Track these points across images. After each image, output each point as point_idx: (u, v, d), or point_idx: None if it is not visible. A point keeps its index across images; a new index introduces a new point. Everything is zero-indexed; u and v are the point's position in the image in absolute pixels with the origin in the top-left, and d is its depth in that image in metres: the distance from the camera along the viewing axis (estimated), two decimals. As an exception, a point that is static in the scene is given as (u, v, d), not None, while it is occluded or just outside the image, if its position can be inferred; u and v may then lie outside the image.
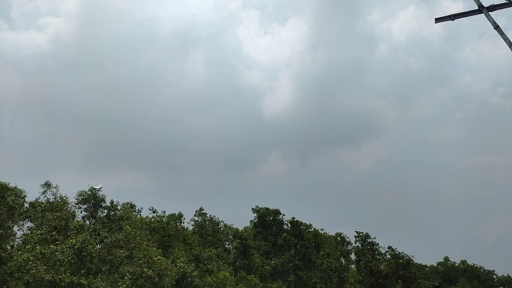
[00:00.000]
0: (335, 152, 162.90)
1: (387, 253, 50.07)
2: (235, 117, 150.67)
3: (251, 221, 50.08)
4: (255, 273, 42.49)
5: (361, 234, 50.09)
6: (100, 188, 33.71)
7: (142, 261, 23.83)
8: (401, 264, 46.56)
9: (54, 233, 24.50)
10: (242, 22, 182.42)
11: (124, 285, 20.24)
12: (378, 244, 50.57)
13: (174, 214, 41.06)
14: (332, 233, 51.05)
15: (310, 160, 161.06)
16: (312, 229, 48.93)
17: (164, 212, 40.62)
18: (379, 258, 49.17)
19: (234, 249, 44.48)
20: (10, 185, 31.62)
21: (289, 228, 47.73)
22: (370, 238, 50.07)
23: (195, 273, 28.13)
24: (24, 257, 20.91)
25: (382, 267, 46.46)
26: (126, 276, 21.56)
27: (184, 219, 42.39)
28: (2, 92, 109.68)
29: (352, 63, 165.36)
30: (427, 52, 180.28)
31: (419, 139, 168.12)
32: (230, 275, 37.49)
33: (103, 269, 25.09)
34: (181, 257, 30.63)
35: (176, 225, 39.20)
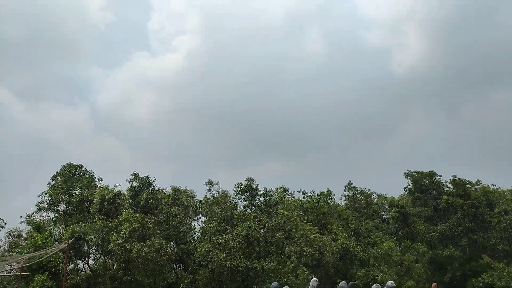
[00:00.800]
0: (491, 94, 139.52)
1: None
2: (366, 84, 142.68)
3: (405, 187, 47.24)
4: (421, 241, 40.06)
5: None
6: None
7: (300, 240, 25.03)
8: None
9: (223, 224, 27.73)
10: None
11: (293, 264, 21.65)
12: None
13: (323, 192, 41.67)
14: (507, 187, 44.28)
15: (460, 110, 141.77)
16: (479, 186, 43.40)
17: (313, 191, 41.65)
18: None
19: (391, 219, 42.73)
20: (182, 188, 37.07)
21: (450, 189, 43.39)
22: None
23: (358, 248, 28.15)
24: (206, 248, 24.26)
25: None
26: (292, 256, 23.02)
27: (334, 195, 42.67)
28: (156, 112, 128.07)
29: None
30: None
31: None
32: (395, 245, 36.28)
33: (270, 251, 27.26)
34: (340, 232, 31.01)
35: (327, 202, 39.74)
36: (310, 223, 31.72)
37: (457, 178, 42.83)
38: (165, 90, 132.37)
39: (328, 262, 25.25)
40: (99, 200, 31.02)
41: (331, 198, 41.49)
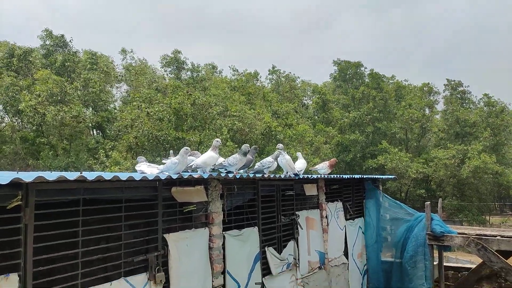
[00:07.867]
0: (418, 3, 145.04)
1: (481, 101, 48.11)
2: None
3: (331, 74, 50.40)
4: (333, 126, 44.74)
5: (452, 82, 47.96)
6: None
7: (235, 114, 26.64)
8: (493, 112, 44.78)
9: (152, 95, 27.75)
10: None
11: (223, 136, 23.38)
12: (470, 92, 48.49)
13: (251, 72, 42.76)
14: (420, 84, 49.85)
15: (390, 12, 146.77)
16: (394, 81, 48.13)
17: (245, 70, 42.47)
18: (469, 107, 47.79)
19: (314, 104, 46.23)
20: (98, 53, 34.99)
21: (369, 81, 47.49)
22: (462, 86, 47.90)
23: (279, 128, 30.77)
24: (134, 114, 24.61)
25: (471, 115, 45.24)
26: (223, 128, 24.67)
27: (261, 77, 44.10)
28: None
29: None
30: None
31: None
32: (309, 128, 40.08)
33: (196, 125, 28.58)
34: (267, 113, 33.18)
35: (254, 83, 41.16)
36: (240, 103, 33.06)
37: (374, 72, 46.74)
38: None
39: (252, 138, 27.59)
40: (7, 55, 28.27)
41: (257, 79, 42.96)
